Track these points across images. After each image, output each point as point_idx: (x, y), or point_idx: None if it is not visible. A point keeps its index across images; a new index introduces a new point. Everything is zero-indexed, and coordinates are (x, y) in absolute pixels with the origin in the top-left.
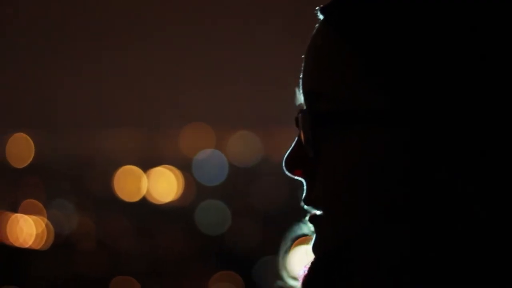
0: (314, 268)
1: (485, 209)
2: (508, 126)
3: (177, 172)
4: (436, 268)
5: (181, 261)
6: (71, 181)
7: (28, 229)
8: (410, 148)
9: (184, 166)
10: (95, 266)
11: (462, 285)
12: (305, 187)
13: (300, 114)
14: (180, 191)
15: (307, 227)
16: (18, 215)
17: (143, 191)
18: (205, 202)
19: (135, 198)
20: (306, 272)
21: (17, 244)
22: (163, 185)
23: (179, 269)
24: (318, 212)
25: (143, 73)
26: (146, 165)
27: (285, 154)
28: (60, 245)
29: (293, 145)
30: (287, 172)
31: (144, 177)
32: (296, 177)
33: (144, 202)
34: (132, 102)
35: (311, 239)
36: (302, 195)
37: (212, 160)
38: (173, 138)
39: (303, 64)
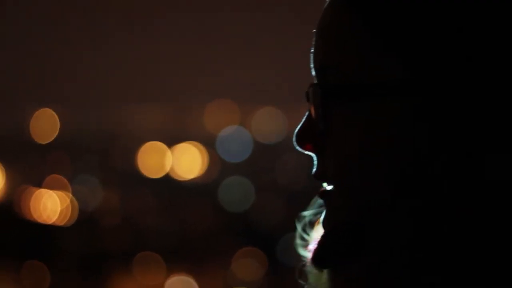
0: (323, 242)
1: (499, 187)
2: None
3: (202, 148)
4: (449, 245)
5: (205, 238)
6: (96, 156)
7: (52, 205)
8: (424, 120)
9: (208, 142)
10: (119, 242)
11: (472, 265)
12: (315, 162)
13: (310, 88)
14: (204, 167)
15: (316, 205)
16: (43, 190)
17: (168, 167)
18: (229, 178)
19: (160, 174)
20: (316, 246)
21: (41, 220)
22: (187, 161)
23: (203, 245)
24: (329, 187)
25: (169, 49)
26: (171, 141)
27: (296, 129)
28: (85, 220)
29: (303, 119)
30: (297, 147)
31: (168, 153)
32: (306, 152)
33: (168, 178)
34: (157, 78)
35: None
36: (312, 169)
37: (237, 137)
38: (198, 114)
39: (314, 39)
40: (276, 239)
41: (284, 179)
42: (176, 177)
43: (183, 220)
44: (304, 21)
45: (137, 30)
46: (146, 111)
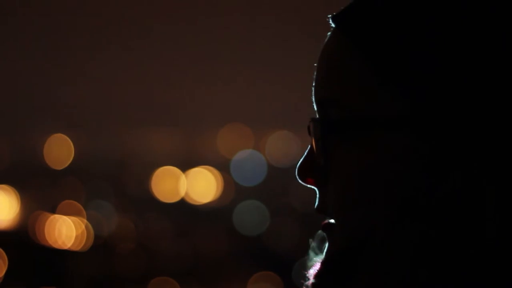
0: (324, 265)
1: (501, 217)
2: None
3: (216, 172)
4: (446, 272)
5: (220, 262)
6: (110, 182)
7: (67, 231)
8: (424, 156)
9: (222, 166)
10: (134, 267)
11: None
12: (317, 195)
13: (311, 122)
14: (219, 191)
15: (315, 250)
16: (57, 216)
17: (182, 192)
18: (243, 202)
19: (174, 199)
20: (315, 271)
21: (56, 246)
22: (201, 185)
23: (218, 269)
24: (331, 220)
25: (181, 73)
26: (185, 166)
27: (298, 163)
28: (99, 246)
29: (305, 153)
30: (300, 181)
31: (182, 178)
32: (308, 186)
33: (183, 203)
34: (170, 102)
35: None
36: (315, 203)
37: (251, 161)
38: (211, 138)
39: (315, 73)
40: (291, 262)
41: (298, 203)
42: (190, 202)
43: (198, 244)
44: (319, 44)
45: (149, 55)
46: (159, 136)
